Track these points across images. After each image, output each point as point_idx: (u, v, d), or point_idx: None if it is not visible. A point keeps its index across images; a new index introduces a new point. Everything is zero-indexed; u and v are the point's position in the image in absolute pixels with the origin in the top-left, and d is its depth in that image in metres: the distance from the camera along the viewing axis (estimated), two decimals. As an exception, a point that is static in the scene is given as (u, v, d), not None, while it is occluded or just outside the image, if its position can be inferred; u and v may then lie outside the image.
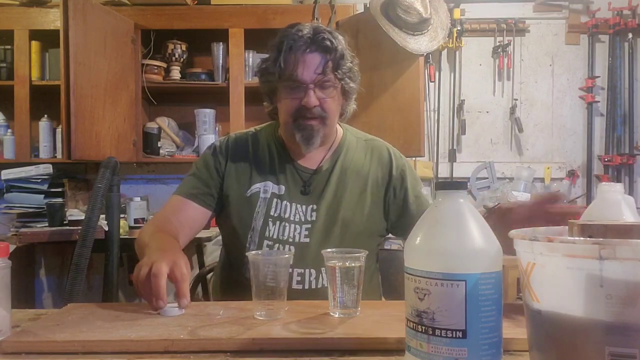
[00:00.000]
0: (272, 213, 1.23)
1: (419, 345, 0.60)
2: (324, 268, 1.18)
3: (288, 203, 1.24)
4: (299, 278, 1.19)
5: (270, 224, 1.23)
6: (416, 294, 0.60)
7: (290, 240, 1.22)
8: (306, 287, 1.19)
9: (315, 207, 1.24)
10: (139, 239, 1.18)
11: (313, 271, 1.20)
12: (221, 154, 1.29)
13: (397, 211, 1.30)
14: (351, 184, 1.27)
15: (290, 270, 1.18)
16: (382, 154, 1.33)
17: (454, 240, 0.59)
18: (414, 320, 0.61)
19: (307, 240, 1.22)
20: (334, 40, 1.17)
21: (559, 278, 0.52)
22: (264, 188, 1.24)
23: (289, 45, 1.17)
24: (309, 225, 1.23)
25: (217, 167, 1.28)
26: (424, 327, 0.59)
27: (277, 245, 1.22)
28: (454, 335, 0.57)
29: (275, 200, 1.24)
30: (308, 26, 1.19)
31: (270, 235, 1.22)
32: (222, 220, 1.31)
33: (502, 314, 0.60)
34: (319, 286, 1.20)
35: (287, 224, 1.23)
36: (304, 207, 1.24)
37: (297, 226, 1.23)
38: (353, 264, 0.89)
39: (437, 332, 0.58)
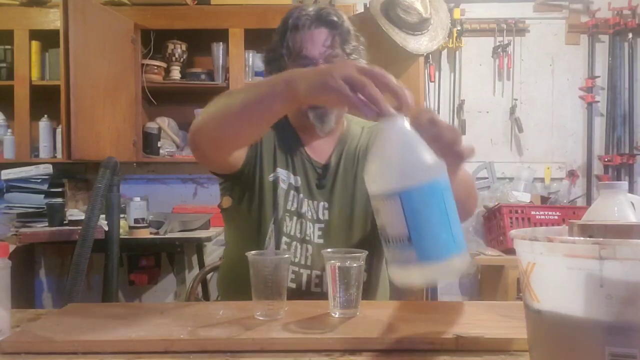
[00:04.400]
0: (289, 207, 1.16)
1: (389, 256, 0.69)
2: None
3: (303, 197, 1.17)
4: (317, 280, 1.13)
5: (288, 219, 1.15)
6: (376, 214, 0.69)
7: (308, 239, 1.15)
8: (324, 290, 1.10)
9: (326, 205, 1.18)
10: (226, 102, 0.95)
11: None
12: None
13: None
14: (356, 173, 1.20)
15: (309, 271, 1.14)
16: None
17: (386, 163, 0.68)
18: (383, 236, 0.69)
19: (321, 241, 1.16)
20: (339, 16, 1.15)
21: (559, 278, 0.52)
22: (282, 177, 1.17)
23: (294, 24, 1.14)
24: (322, 225, 1.17)
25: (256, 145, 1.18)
26: (385, 240, 0.68)
27: (294, 243, 1.15)
28: (402, 242, 0.65)
29: (292, 192, 1.16)
30: (311, 5, 1.17)
31: (289, 232, 1.15)
32: (241, 209, 1.18)
33: (455, 213, 0.67)
34: None
35: (303, 221, 1.16)
36: (316, 203, 1.18)
37: (312, 224, 1.16)
38: (353, 264, 0.89)
39: (391, 242, 0.67)
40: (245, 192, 1.17)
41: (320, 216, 1.17)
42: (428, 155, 0.67)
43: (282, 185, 1.16)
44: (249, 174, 1.16)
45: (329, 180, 1.19)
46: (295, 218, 1.15)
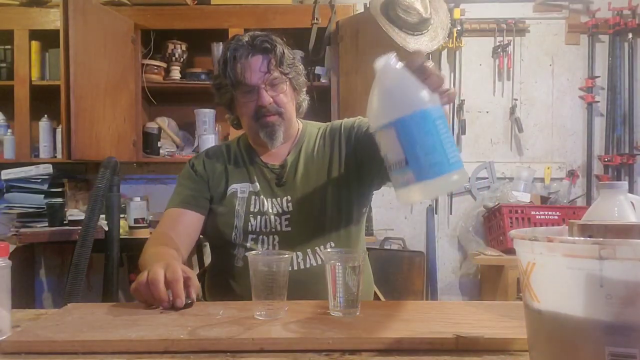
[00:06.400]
0: (252, 209, 1.31)
1: (394, 182, 0.78)
2: (309, 250, 1.27)
3: (264, 198, 1.32)
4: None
5: (252, 219, 1.30)
6: (379, 148, 0.78)
7: (273, 230, 1.29)
8: (295, 268, 1.25)
9: (289, 198, 1.32)
10: (141, 261, 1.22)
11: (300, 254, 1.27)
12: (199, 165, 1.39)
13: (366, 155, 1.30)
14: (317, 168, 1.34)
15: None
16: (334, 127, 1.41)
17: (380, 99, 0.76)
18: (386, 165, 0.77)
19: (289, 229, 1.29)
20: (271, 41, 1.28)
21: (559, 278, 0.52)
22: (241, 188, 1.33)
23: (232, 55, 1.27)
24: (288, 216, 1.30)
25: (201, 173, 1.38)
26: (389, 168, 0.77)
27: (261, 237, 1.28)
28: (401, 166, 0.74)
29: (253, 197, 1.32)
30: (246, 34, 1.30)
31: (253, 229, 1.29)
32: (207, 223, 1.36)
33: (450, 139, 0.74)
34: (308, 266, 1.27)
35: (267, 217, 1.30)
36: (279, 199, 1.32)
37: (277, 217, 1.30)
38: (353, 264, 0.89)
39: (393, 169, 0.76)
40: (212, 221, 1.34)
41: (285, 209, 1.31)
42: (417, 89, 0.75)
43: (241, 195, 1.32)
44: (211, 218, 1.34)
45: (288, 177, 1.34)
46: (259, 217, 1.30)
